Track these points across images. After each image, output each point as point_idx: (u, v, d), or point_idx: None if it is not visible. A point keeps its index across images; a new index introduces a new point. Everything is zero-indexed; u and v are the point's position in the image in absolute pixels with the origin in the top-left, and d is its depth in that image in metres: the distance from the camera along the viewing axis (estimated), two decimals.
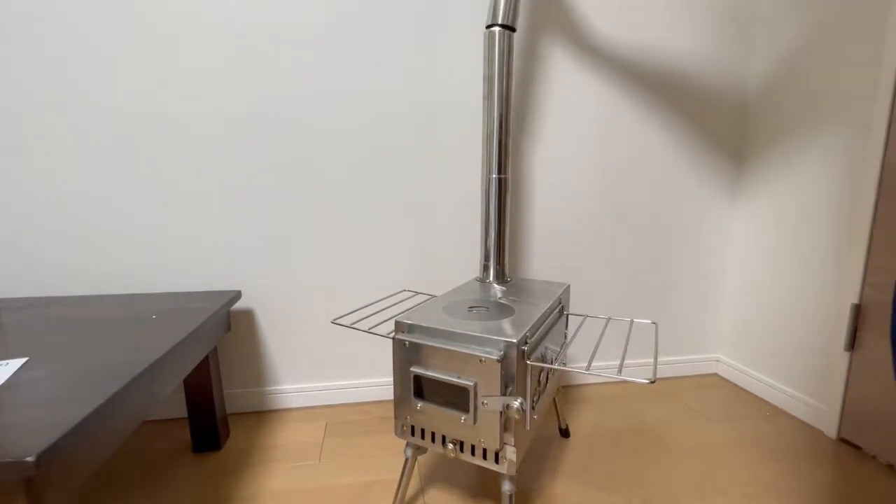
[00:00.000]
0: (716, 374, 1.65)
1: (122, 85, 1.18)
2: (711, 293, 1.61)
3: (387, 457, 1.16)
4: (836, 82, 1.21)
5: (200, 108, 1.23)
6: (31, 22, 1.12)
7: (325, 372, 1.41)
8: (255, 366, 1.38)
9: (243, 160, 1.27)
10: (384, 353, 1.44)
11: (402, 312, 0.92)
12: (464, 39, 1.31)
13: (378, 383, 1.45)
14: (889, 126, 1.09)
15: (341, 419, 1.34)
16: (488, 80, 1.15)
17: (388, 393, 1.45)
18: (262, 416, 1.36)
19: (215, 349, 1.20)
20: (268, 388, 1.39)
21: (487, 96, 1.16)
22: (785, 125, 1.37)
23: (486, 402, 0.76)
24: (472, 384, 0.77)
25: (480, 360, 0.76)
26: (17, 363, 0.74)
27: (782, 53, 1.37)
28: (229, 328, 1.24)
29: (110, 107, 1.19)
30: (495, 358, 0.75)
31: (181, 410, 1.35)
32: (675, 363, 1.63)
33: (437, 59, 1.31)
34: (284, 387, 1.40)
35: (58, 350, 0.80)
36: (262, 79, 1.24)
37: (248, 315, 1.35)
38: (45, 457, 0.51)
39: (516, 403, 0.73)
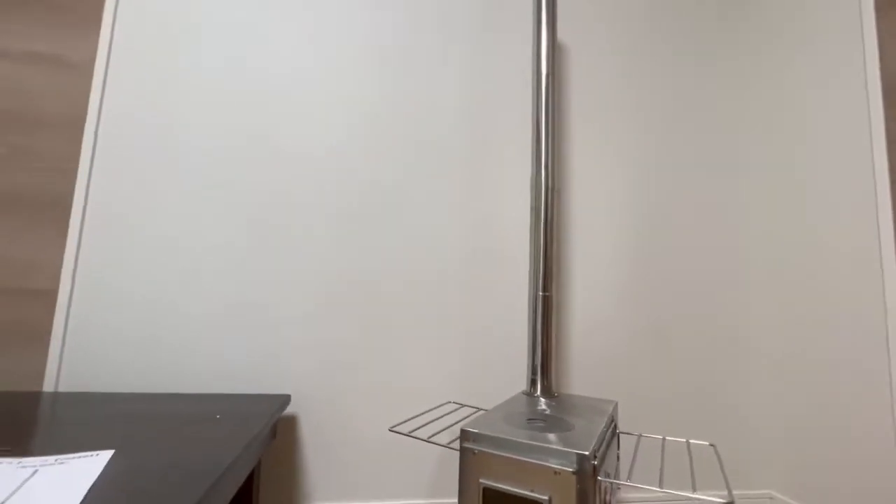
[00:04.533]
0: None
1: (185, 204, 1.38)
2: (759, 421, 1.58)
3: None
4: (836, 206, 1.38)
5: (266, 217, 1.40)
6: None
7: (360, 490, 1.35)
8: (291, 480, 1.32)
9: (303, 270, 1.40)
10: (422, 470, 1.38)
11: (460, 422, 0.94)
12: (512, 167, 1.54)
13: None
14: None
15: None
16: (535, 211, 1.33)
17: None
18: None
19: (260, 460, 1.19)
20: None
21: (534, 225, 1.32)
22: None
23: None
24: (546, 499, 0.77)
25: (555, 472, 0.77)
26: (106, 455, 0.77)
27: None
28: (275, 436, 1.24)
29: (188, 224, 1.37)
30: (571, 470, 0.76)
31: None
32: (723, 496, 1.52)
33: (487, 181, 1.52)
34: None
35: (140, 444, 0.83)
36: (315, 201, 1.44)
37: (291, 421, 1.34)
38: None
39: None
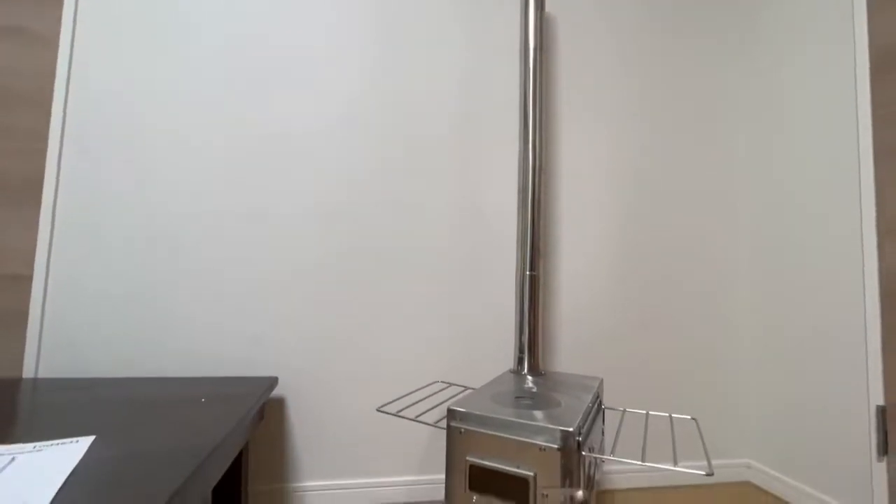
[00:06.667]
0: (748, 482, 1.59)
1: (180, 181, 1.34)
2: (736, 393, 1.62)
3: None
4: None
5: (249, 206, 1.37)
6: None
7: (349, 469, 1.36)
8: (279, 458, 1.33)
9: (289, 256, 1.38)
10: (410, 449, 1.40)
11: (447, 401, 0.95)
12: (501, 146, 1.51)
13: (405, 482, 1.39)
14: (878, 235, 1.23)
15: None
16: (522, 190, 1.32)
17: (412, 494, 1.38)
18: None
19: (247, 441, 1.18)
20: (290, 485, 1.33)
21: (521, 204, 1.31)
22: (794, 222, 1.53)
23: (546, 493, 0.77)
24: (531, 475, 0.78)
25: (541, 449, 0.78)
26: (86, 441, 0.75)
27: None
28: (262, 417, 1.23)
29: (167, 207, 1.33)
30: (556, 447, 0.77)
31: None
32: (701, 467, 1.57)
33: (474, 161, 1.50)
34: (307, 483, 1.34)
35: (122, 429, 0.81)
36: (301, 181, 1.41)
37: (279, 403, 1.34)
38: None
39: (580, 494, 0.74)
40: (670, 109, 1.66)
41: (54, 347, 1.25)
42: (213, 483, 0.84)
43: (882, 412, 1.21)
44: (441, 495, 1.39)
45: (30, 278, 1.25)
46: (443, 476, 1.38)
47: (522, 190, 1.31)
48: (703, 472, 0.72)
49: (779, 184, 1.55)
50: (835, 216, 1.35)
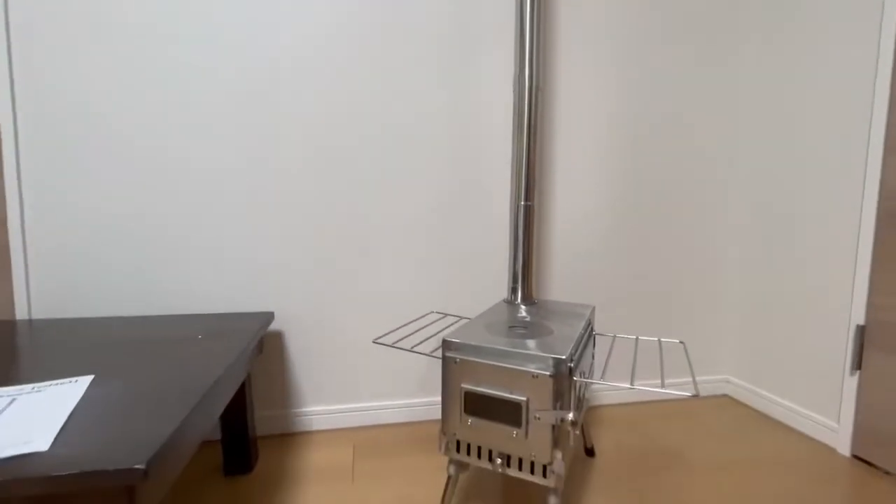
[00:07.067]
0: (726, 396, 1.70)
1: (162, 113, 1.24)
2: (718, 314, 1.67)
3: (421, 478, 1.17)
4: (832, 111, 1.33)
5: (237, 136, 1.29)
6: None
7: (349, 394, 1.43)
8: (281, 387, 1.39)
9: (278, 187, 1.32)
10: (408, 374, 1.46)
11: (443, 331, 0.96)
12: (496, 74, 1.41)
13: (405, 405, 1.46)
14: (885, 153, 1.19)
15: (369, 441, 1.35)
16: (517, 112, 1.24)
17: (413, 415, 1.47)
18: (286, 438, 1.37)
19: (248, 374, 1.22)
20: (293, 411, 1.40)
21: (517, 130, 1.24)
22: (792, 154, 1.48)
23: (539, 416, 0.80)
24: (524, 399, 0.81)
25: (534, 376, 0.80)
26: (85, 380, 0.76)
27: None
28: (261, 351, 1.26)
29: (153, 141, 1.24)
30: (548, 374, 0.79)
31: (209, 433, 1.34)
32: (685, 384, 1.67)
33: (470, 91, 1.40)
34: (309, 409, 1.41)
35: (120, 368, 0.82)
36: (298, 111, 1.31)
37: (277, 336, 1.37)
38: (152, 465, 0.53)
39: (570, 416, 0.77)
40: (673, 39, 1.52)
41: (44, 288, 1.24)
42: (217, 414, 0.87)
43: (861, 331, 1.25)
44: (439, 415, 1.47)
45: (3, 219, 1.20)
46: (440, 397, 1.46)
47: (517, 111, 1.23)
48: (690, 394, 0.74)
49: (779, 111, 1.47)
50: (838, 134, 1.30)
